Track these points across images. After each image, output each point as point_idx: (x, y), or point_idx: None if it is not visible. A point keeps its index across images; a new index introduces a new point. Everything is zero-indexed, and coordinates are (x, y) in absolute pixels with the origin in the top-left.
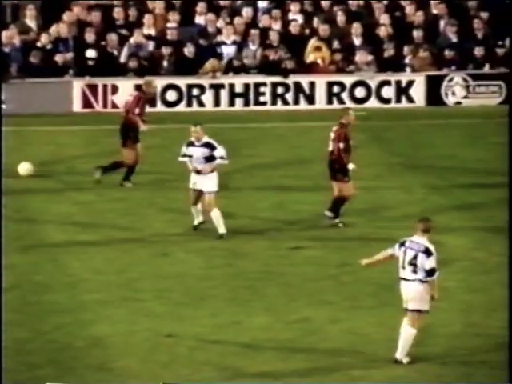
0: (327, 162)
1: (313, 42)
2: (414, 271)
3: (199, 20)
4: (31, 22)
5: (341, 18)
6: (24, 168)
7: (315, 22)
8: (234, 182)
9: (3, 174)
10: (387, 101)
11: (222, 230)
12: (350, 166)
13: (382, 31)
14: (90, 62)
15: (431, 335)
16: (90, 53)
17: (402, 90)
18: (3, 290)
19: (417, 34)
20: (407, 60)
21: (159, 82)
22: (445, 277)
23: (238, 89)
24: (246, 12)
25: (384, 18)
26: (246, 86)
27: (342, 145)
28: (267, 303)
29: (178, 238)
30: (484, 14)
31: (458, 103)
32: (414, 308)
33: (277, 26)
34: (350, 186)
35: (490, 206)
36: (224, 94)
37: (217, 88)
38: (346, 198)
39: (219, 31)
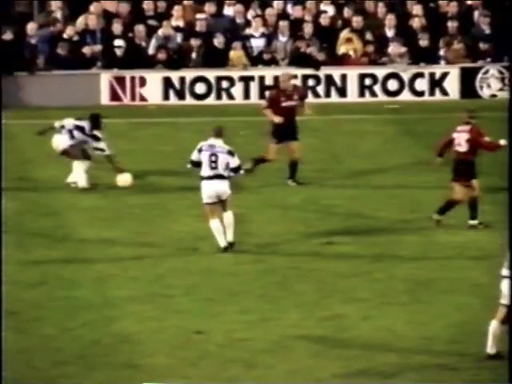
0: (454, 163)
1: (344, 34)
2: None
3: (228, 11)
4: (58, 13)
5: (374, 8)
6: (122, 179)
7: (346, 12)
8: (264, 177)
9: (28, 168)
10: (420, 93)
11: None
12: (503, 142)
13: (416, 22)
14: (118, 52)
15: (466, 332)
16: (118, 41)
17: (436, 83)
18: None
19: (451, 25)
20: (441, 52)
21: (187, 75)
22: (479, 273)
23: (268, 81)
24: (277, 3)
25: (417, 9)
26: (276, 78)
27: (486, 138)
28: (298, 300)
29: (208, 233)
30: None
31: (493, 96)
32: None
33: (309, 17)
34: (477, 185)
35: None
36: (254, 87)
37: (246, 80)
38: (476, 197)
39: (248, 23)
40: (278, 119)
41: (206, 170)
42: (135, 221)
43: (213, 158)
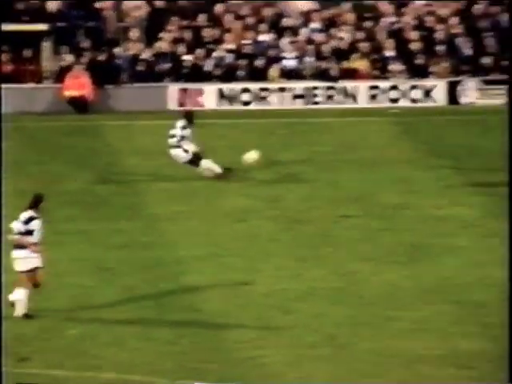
0: None
1: (356, 55)
2: None
3: (265, 38)
4: (135, 41)
5: (378, 34)
6: (250, 157)
7: (359, 36)
8: (297, 166)
9: (116, 158)
10: (415, 101)
11: None
12: None
13: (412, 45)
14: (183, 69)
15: (452, 284)
16: (183, 61)
17: (427, 93)
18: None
19: (439, 48)
20: (431, 69)
21: (236, 87)
22: (460, 239)
23: (298, 91)
24: (304, 31)
25: (414, 35)
26: (306, 89)
27: None
28: (322, 259)
29: (252, 207)
30: None
31: (471, 103)
32: None
33: (330, 42)
34: None
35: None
36: (287, 96)
37: (281, 91)
38: None
39: (282, 47)
40: None
41: None
42: (198, 198)
43: None
